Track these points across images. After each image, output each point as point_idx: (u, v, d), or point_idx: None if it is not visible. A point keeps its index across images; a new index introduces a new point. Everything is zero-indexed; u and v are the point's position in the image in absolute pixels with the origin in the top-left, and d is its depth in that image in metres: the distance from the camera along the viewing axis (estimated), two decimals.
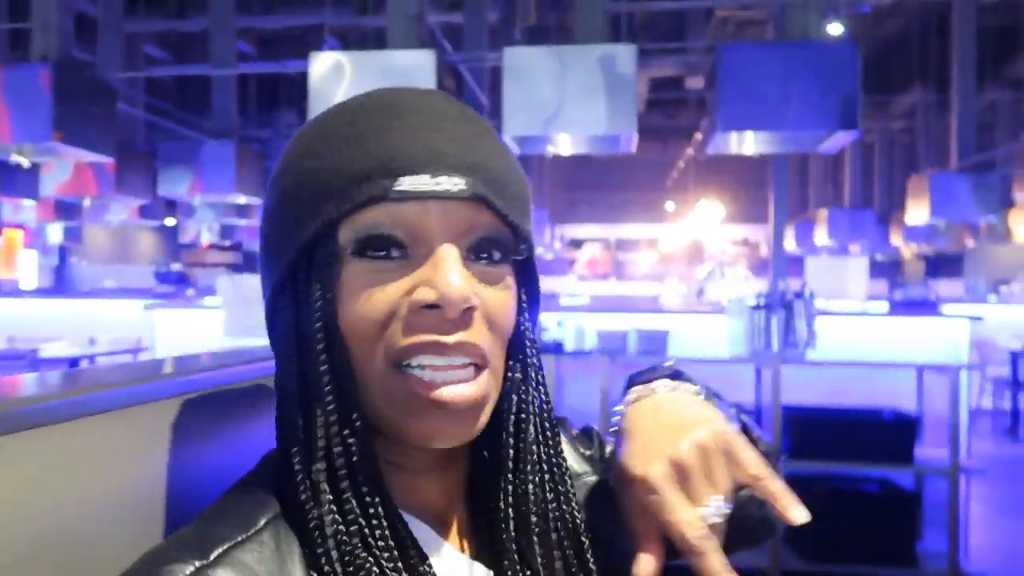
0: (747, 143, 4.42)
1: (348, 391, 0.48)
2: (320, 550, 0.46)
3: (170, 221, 10.40)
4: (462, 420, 0.49)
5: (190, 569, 0.43)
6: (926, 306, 6.14)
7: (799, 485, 2.43)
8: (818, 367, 3.35)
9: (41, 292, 10.25)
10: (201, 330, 4.07)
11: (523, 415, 0.54)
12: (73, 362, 5.33)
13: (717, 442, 0.52)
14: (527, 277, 0.54)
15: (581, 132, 4.13)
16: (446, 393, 0.48)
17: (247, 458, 0.59)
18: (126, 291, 9.18)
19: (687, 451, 0.51)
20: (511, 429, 0.53)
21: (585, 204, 16.36)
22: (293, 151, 0.52)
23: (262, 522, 0.48)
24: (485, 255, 0.50)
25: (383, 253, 0.48)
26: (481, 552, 0.54)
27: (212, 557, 0.44)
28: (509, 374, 0.53)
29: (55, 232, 11.04)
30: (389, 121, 0.50)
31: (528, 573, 0.52)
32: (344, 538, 0.46)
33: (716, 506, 0.50)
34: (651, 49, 7.69)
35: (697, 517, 0.49)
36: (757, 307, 3.30)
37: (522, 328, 0.54)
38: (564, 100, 4.05)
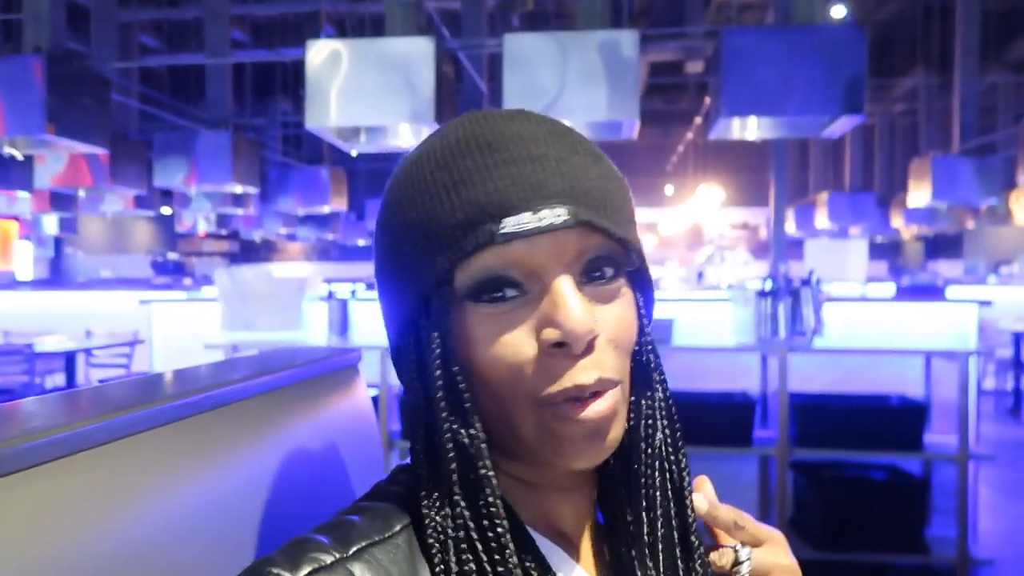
0: (750, 129, 4.37)
1: (473, 424, 0.50)
2: (442, 566, 0.49)
3: (166, 211, 10.35)
4: (598, 438, 0.50)
5: (331, 559, 0.46)
6: (932, 291, 6.11)
7: (807, 473, 2.42)
8: (825, 354, 3.33)
9: (38, 284, 10.21)
10: (198, 323, 4.03)
11: (650, 420, 0.55)
12: (69, 356, 5.29)
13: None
14: (642, 282, 0.55)
15: (582, 119, 4.07)
16: (588, 421, 0.49)
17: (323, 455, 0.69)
18: (122, 281, 9.13)
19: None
20: (641, 435, 0.54)
21: None
22: (391, 203, 0.53)
23: (397, 527, 0.50)
24: (598, 274, 0.51)
25: (500, 294, 0.49)
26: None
27: (351, 552, 0.47)
28: (635, 383, 0.54)
29: (50, 223, 10.96)
30: (482, 158, 0.50)
31: None
32: (468, 555, 0.48)
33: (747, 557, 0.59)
34: (652, 34, 7.61)
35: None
36: (763, 294, 3.26)
37: (643, 335, 0.55)
38: (564, 87, 3.99)
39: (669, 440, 0.56)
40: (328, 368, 0.97)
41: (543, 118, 0.53)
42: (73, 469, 0.50)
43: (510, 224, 0.47)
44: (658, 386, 0.55)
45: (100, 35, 6.44)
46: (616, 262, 0.51)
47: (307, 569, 0.45)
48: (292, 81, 10.23)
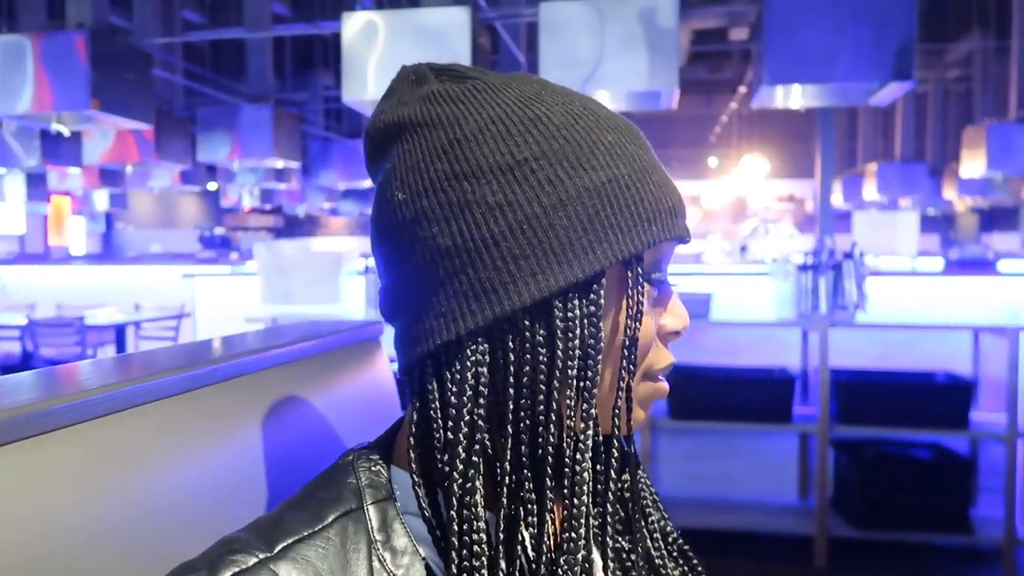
0: (794, 97, 4.24)
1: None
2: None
3: (212, 186, 10.51)
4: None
5: (253, 560, 0.45)
6: (983, 265, 5.90)
7: (848, 450, 2.36)
8: (868, 329, 3.24)
9: (90, 258, 10.48)
10: (240, 297, 4.10)
11: None
12: (119, 329, 5.43)
13: None
14: None
15: (621, 88, 4.00)
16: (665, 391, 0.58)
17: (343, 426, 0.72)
18: (171, 256, 9.32)
19: None
20: None
21: None
22: (592, 143, 0.51)
23: (330, 518, 0.49)
24: None
25: (661, 281, 0.55)
26: None
27: (276, 550, 0.46)
28: None
29: (101, 199, 11.22)
30: (646, 152, 0.54)
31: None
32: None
33: None
34: (693, 0, 7.41)
35: None
36: (804, 268, 3.19)
37: None
38: (603, 56, 3.92)
39: None
40: (350, 340, 0.96)
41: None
42: (100, 431, 0.53)
43: (685, 230, 0.54)
44: None
45: (143, 10, 6.51)
46: None
47: (227, 573, 0.44)
48: (332, 54, 10.25)
